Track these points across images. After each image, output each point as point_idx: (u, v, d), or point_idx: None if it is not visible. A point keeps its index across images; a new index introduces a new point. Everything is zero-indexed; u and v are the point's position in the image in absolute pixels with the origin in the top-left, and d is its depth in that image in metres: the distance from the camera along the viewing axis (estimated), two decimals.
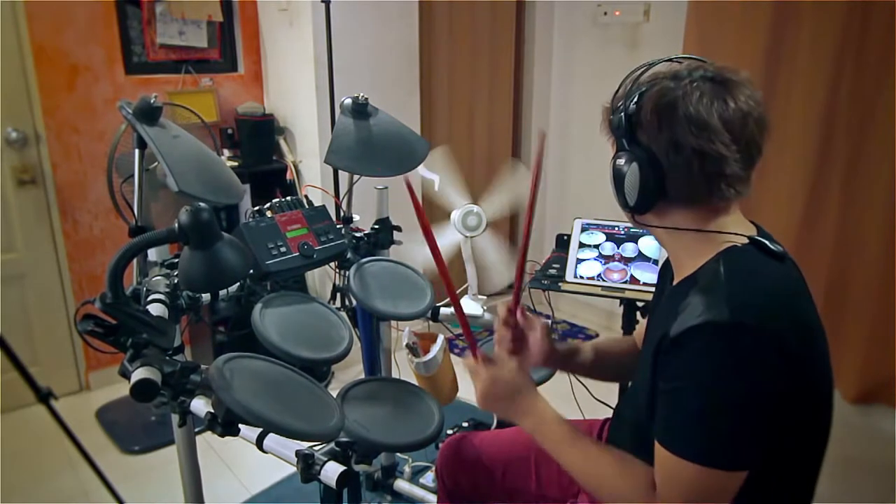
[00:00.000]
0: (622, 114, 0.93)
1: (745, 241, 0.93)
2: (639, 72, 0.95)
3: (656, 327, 1.01)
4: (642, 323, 1.73)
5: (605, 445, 1.03)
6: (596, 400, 1.85)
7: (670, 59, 0.97)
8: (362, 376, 1.71)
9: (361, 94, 1.70)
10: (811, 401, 0.91)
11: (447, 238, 1.84)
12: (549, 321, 1.25)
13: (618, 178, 0.96)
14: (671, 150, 0.89)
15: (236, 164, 2.78)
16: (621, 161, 0.95)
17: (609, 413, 1.36)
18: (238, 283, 1.51)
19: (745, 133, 0.88)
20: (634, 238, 1.85)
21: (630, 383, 1.21)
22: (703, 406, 0.85)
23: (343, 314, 1.52)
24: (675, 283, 1.02)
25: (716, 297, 0.85)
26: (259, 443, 1.23)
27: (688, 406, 0.86)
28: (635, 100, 0.92)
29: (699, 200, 0.93)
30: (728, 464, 0.84)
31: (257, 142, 2.82)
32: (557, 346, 1.23)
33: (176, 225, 0.99)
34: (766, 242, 0.93)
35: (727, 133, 0.87)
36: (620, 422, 1.19)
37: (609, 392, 1.69)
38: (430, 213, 3.13)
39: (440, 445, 2.12)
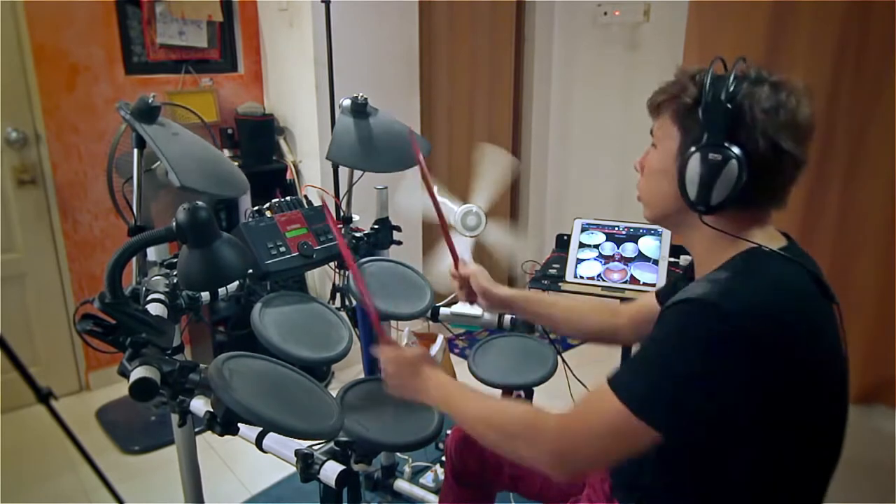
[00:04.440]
0: (723, 107, 0.89)
1: (773, 248, 0.93)
2: (733, 68, 0.93)
3: None
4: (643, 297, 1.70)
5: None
6: None
7: (742, 60, 0.95)
8: (362, 376, 1.70)
9: (361, 94, 1.70)
10: (806, 408, 0.88)
11: (463, 246, 1.82)
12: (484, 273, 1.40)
13: (708, 173, 0.90)
14: (770, 154, 0.89)
15: (236, 164, 2.78)
16: (716, 157, 0.89)
17: None
18: (238, 283, 1.51)
19: (810, 142, 0.92)
20: (634, 238, 1.85)
21: None
22: (649, 356, 0.88)
23: (343, 314, 1.51)
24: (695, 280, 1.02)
25: (715, 283, 0.87)
26: (258, 442, 1.23)
27: (639, 355, 0.90)
28: (731, 96, 0.89)
29: (762, 205, 0.95)
30: (640, 409, 0.85)
31: (257, 142, 2.82)
32: (498, 293, 1.35)
33: (174, 224, 0.99)
34: (792, 256, 0.93)
35: (808, 141, 0.91)
36: None
37: None
38: (431, 235, 3.08)
39: (440, 445, 2.12)
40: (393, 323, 2.04)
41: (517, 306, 1.37)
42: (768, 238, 0.95)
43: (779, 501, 0.93)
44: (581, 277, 1.83)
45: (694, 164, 0.91)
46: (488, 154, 1.84)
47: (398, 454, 2.08)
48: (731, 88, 0.89)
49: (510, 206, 3.56)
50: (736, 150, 0.89)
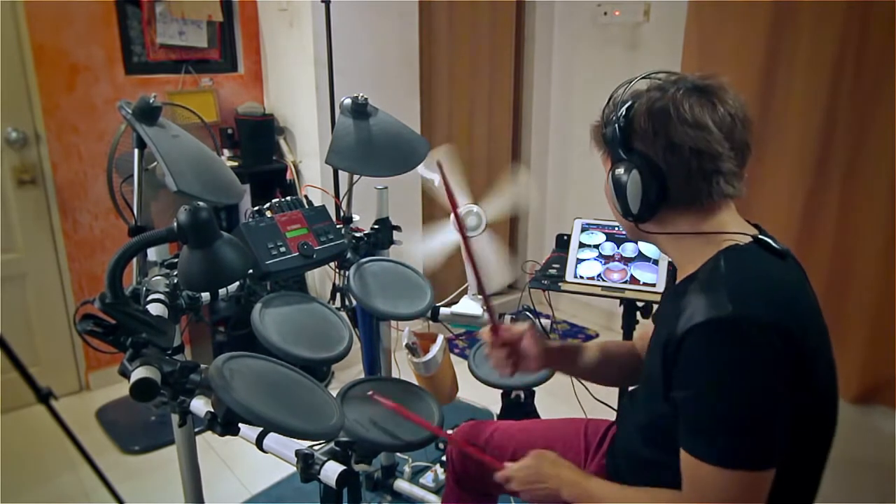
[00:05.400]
0: (615, 125, 0.96)
1: (748, 240, 0.95)
2: (622, 89, 0.99)
3: (661, 326, 1.02)
4: (642, 325, 1.72)
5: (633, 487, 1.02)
6: (596, 400, 1.85)
7: (647, 76, 1.00)
8: (362, 376, 1.71)
9: (361, 94, 1.69)
10: (814, 396, 0.91)
11: (447, 237, 1.84)
12: (533, 320, 1.31)
13: (618, 187, 0.97)
14: (668, 152, 0.92)
15: (236, 164, 2.78)
16: (620, 171, 0.96)
17: (609, 413, 1.35)
18: (238, 283, 1.51)
19: (734, 132, 0.93)
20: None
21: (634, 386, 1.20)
22: (720, 406, 0.86)
23: (343, 314, 1.52)
24: (677, 281, 1.03)
25: (717, 293, 0.87)
26: (259, 442, 1.23)
27: (706, 409, 0.87)
28: (624, 112, 0.95)
29: (698, 201, 0.96)
30: (753, 463, 0.84)
31: (257, 142, 2.82)
32: (552, 346, 1.22)
33: (175, 224, 0.99)
34: (770, 241, 0.95)
35: (719, 132, 0.91)
36: (626, 424, 1.19)
37: (609, 392, 1.69)
38: (429, 213, 3.13)
39: (441, 445, 2.12)
40: (393, 323, 2.04)
41: (588, 355, 1.25)
42: (737, 224, 0.98)
43: (778, 494, 0.93)
44: (581, 277, 1.83)
45: (610, 182, 0.99)
46: (520, 178, 1.87)
47: (398, 454, 2.08)
48: (628, 103, 0.95)
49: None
50: (636, 158, 0.94)
